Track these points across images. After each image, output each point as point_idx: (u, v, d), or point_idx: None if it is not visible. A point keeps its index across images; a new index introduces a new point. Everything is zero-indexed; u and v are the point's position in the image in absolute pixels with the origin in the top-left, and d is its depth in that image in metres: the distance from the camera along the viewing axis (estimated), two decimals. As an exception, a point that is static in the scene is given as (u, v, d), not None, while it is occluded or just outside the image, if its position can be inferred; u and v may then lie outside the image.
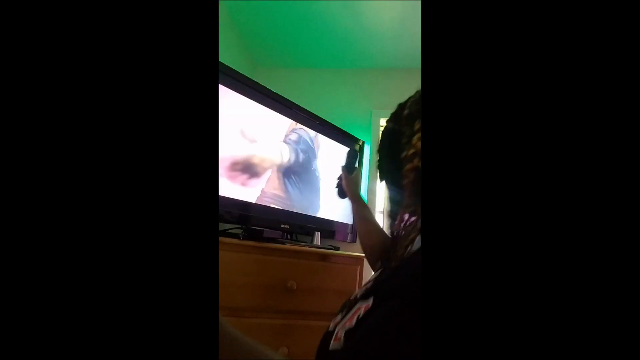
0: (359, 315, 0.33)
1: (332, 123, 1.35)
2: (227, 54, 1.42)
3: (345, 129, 1.40)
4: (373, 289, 0.36)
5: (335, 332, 0.34)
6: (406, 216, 0.42)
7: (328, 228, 1.31)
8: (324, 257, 1.00)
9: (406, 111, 0.43)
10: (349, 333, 0.32)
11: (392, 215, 0.47)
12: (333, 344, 0.33)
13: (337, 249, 1.17)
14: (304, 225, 1.21)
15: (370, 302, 0.33)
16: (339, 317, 0.38)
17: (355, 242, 1.37)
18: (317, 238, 1.20)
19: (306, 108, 1.25)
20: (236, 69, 1.05)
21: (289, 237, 1.18)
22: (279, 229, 1.11)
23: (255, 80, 1.11)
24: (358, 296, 0.37)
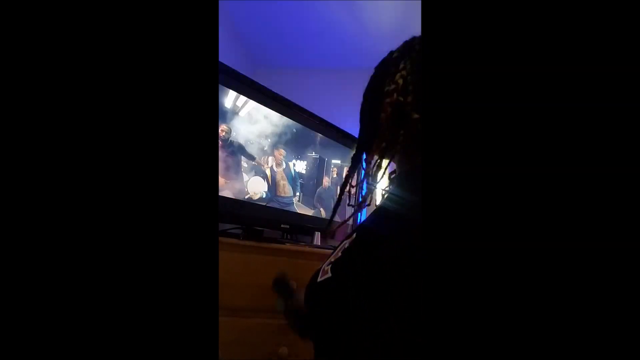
0: (343, 247, 0.37)
1: (332, 123, 1.35)
2: (227, 54, 1.42)
3: (345, 129, 1.40)
4: (356, 228, 0.40)
5: (322, 268, 0.38)
6: (376, 157, 0.45)
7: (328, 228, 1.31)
8: (324, 257, 1.00)
9: (395, 54, 0.46)
10: (335, 264, 0.36)
11: (365, 150, 0.49)
12: (321, 277, 0.37)
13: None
14: (304, 225, 1.20)
15: (354, 236, 0.37)
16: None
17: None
18: (317, 238, 1.19)
19: (306, 108, 1.25)
20: (236, 69, 1.05)
21: (289, 237, 1.18)
22: (279, 229, 1.11)
23: (255, 80, 1.11)
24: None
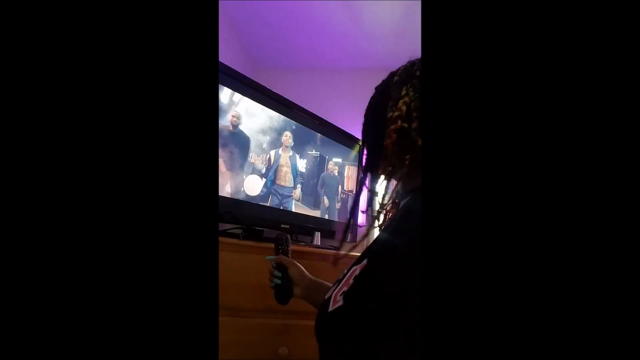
0: (355, 275, 0.36)
1: (332, 123, 1.35)
2: (227, 54, 1.42)
3: (345, 129, 1.40)
4: (365, 253, 0.39)
5: (333, 297, 0.37)
6: (383, 178, 0.45)
7: (328, 228, 1.31)
8: (324, 257, 1.00)
9: (396, 78, 0.46)
10: (347, 293, 0.35)
11: (371, 174, 0.49)
12: (332, 307, 0.36)
13: (337, 249, 1.17)
14: (304, 225, 1.20)
15: (364, 262, 0.37)
16: (335, 286, 0.41)
17: (355, 242, 1.38)
18: (317, 238, 1.19)
19: (306, 108, 1.25)
20: (236, 69, 1.05)
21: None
22: (279, 229, 1.11)
23: (255, 80, 1.11)
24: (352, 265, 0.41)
